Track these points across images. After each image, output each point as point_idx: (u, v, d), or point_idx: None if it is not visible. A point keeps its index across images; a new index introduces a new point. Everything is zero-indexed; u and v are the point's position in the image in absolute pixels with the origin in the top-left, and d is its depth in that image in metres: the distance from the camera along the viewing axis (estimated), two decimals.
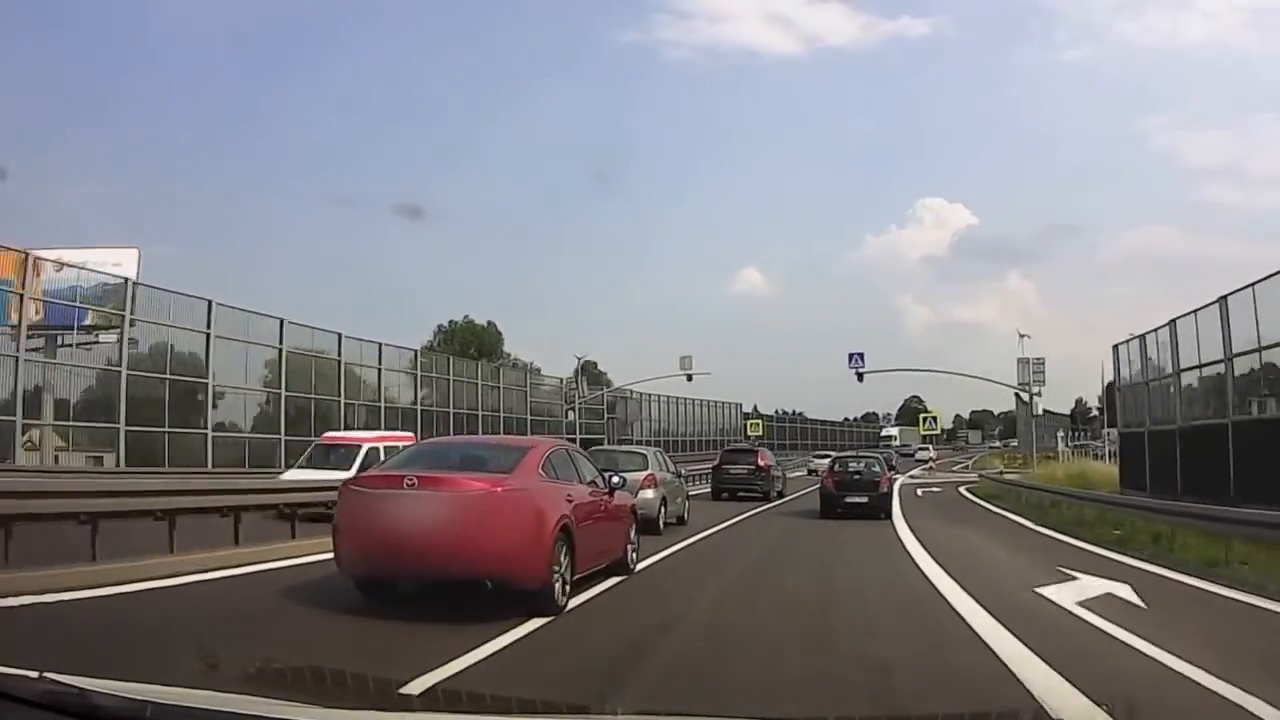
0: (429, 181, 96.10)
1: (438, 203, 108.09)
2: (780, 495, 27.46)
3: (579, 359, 54.62)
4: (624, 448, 22.05)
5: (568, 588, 7.62)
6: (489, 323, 65.23)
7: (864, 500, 20.55)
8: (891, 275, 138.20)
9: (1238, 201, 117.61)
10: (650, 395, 56.13)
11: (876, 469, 22.20)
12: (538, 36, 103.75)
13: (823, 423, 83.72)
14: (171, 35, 78.24)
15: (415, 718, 4.17)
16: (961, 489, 34.56)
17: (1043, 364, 43.50)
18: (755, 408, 70.51)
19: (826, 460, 38.90)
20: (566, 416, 43.58)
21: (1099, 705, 4.64)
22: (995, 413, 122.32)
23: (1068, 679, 5.44)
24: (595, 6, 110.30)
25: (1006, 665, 6.03)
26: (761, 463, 26.94)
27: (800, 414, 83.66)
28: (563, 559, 7.50)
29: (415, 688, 4.67)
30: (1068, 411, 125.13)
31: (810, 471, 47.37)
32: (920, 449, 68.84)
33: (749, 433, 56.20)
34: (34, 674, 2.16)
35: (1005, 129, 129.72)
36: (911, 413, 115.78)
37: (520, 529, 7.11)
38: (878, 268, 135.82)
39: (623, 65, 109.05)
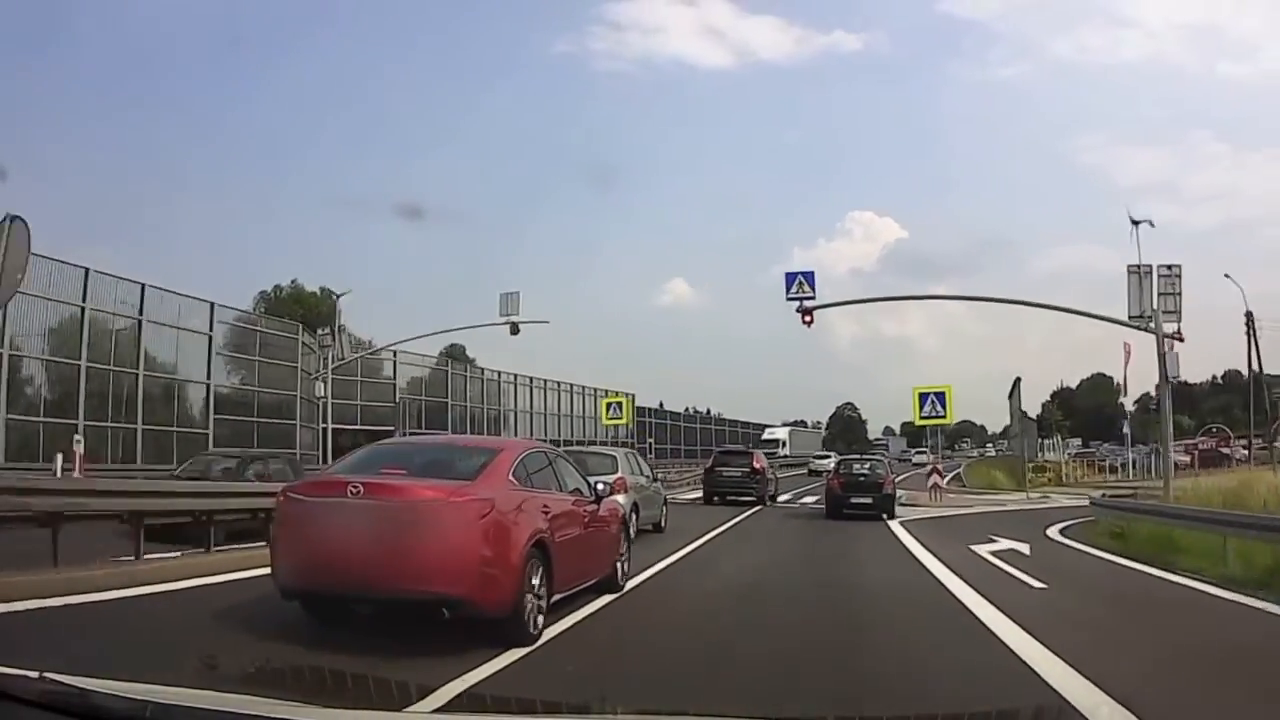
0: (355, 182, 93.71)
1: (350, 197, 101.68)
2: (774, 499, 27.45)
3: (336, 296, 36.36)
4: (590, 449, 20.65)
5: (543, 613, 6.71)
6: (321, 289, 50.24)
7: (868, 500, 21.14)
8: (819, 288, 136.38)
9: (1172, 219, 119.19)
10: (488, 374, 42.72)
11: (880, 471, 22.82)
12: (471, 45, 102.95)
13: (719, 421, 68.87)
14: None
15: (415, 717, 4.15)
16: (1093, 550, 15.35)
17: (1178, 277, 22.66)
18: (661, 403, 57.55)
19: (827, 460, 38.80)
20: (314, 392, 30.13)
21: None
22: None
23: None
24: (530, 17, 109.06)
25: None
26: (756, 465, 26.82)
27: (718, 413, 70.85)
28: (536, 580, 6.61)
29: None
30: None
31: (811, 472, 47.43)
32: (918, 453, 56.12)
33: (606, 420, 38.09)
34: (34, 674, 2.15)
35: (938, 144, 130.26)
36: (844, 421, 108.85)
37: (483, 545, 6.24)
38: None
39: (556, 75, 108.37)
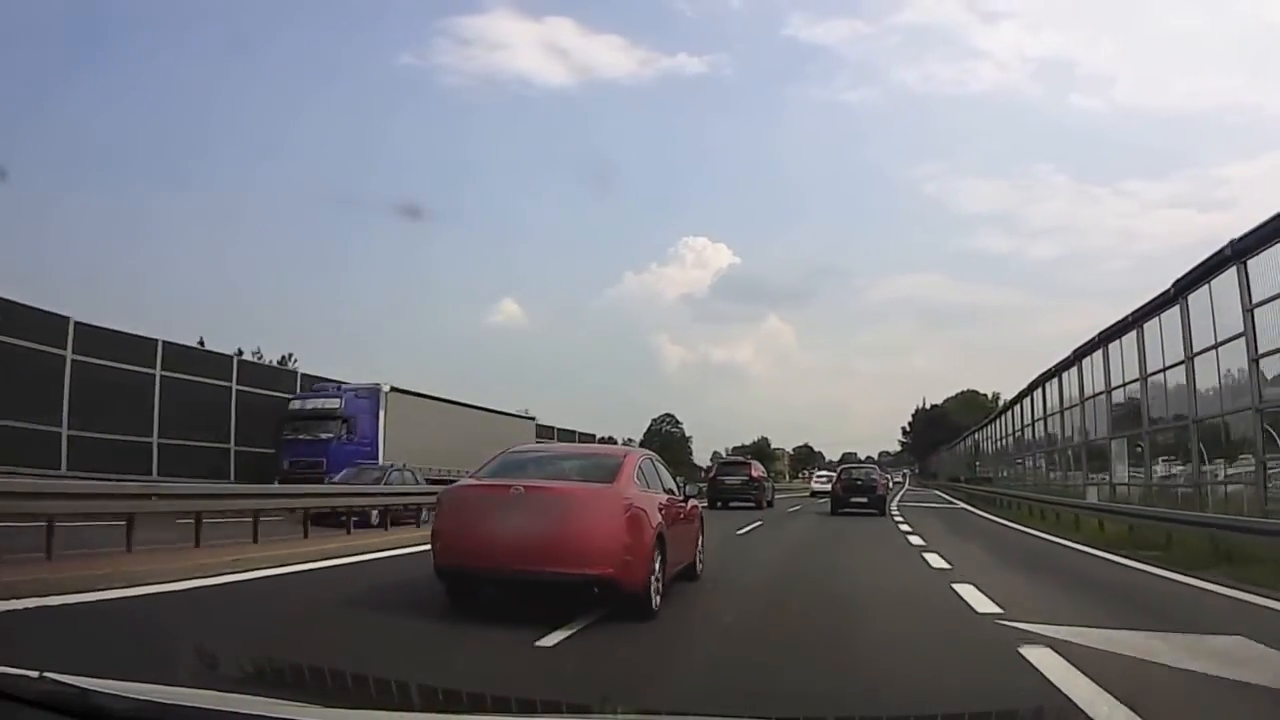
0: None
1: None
2: (770, 504, 29.28)
3: None
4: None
5: (659, 593, 7.80)
6: None
7: (865, 500, 26.21)
8: (650, 313, 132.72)
9: (1010, 251, 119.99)
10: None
11: (874, 477, 27.87)
12: (304, 52, 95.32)
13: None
14: None
15: (415, 717, 4.15)
16: None
17: None
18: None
19: (825, 474, 42.42)
20: None
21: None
22: (772, 444, 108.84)
23: None
24: (373, 26, 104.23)
25: None
26: (754, 474, 29.63)
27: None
28: (657, 565, 7.79)
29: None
30: (870, 454, 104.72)
31: (814, 494, 47.53)
32: (894, 481, 51.94)
33: None
34: (34, 674, 2.14)
35: (778, 170, 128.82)
36: (661, 436, 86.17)
37: (628, 534, 7.37)
38: (636, 305, 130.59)
39: (396, 88, 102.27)
